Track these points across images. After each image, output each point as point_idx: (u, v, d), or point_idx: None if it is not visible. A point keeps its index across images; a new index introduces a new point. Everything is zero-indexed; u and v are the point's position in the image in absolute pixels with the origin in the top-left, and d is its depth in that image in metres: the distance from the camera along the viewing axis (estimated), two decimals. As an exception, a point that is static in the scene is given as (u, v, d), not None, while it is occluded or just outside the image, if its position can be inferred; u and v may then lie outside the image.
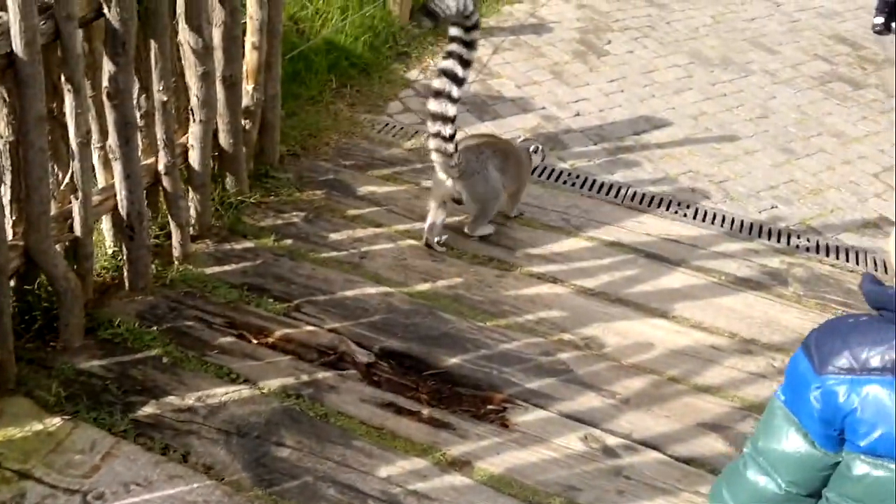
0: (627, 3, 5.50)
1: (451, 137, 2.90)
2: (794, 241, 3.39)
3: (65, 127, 2.17)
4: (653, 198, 3.56)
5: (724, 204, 3.59)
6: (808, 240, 3.41)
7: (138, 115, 2.41)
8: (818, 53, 5.08)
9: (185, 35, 2.50)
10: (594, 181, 3.62)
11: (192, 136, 2.67)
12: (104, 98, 2.23)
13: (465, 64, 2.89)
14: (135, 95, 2.35)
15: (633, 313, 2.90)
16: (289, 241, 3.05)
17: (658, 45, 4.96)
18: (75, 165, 2.20)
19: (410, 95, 4.17)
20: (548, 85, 4.40)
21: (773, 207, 3.60)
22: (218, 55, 2.66)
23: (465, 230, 3.17)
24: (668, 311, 2.93)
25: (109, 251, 2.72)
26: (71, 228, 2.33)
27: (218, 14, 2.61)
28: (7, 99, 1.95)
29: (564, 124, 4.06)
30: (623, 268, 3.11)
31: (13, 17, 1.78)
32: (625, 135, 4.02)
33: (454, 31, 2.90)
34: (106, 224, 2.62)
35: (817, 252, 3.34)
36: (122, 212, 2.44)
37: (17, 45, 1.82)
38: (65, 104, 2.13)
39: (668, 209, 3.49)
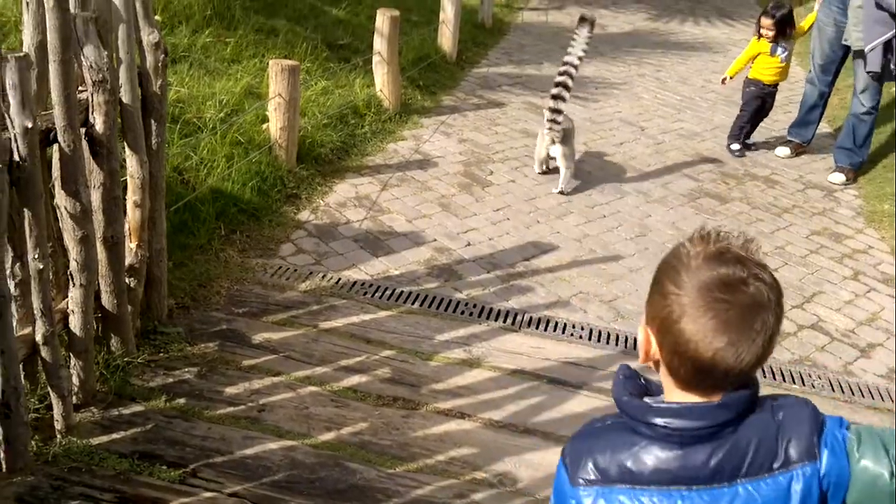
0: (505, 136, 5.79)
1: (560, 119, 4.83)
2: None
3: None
4: (548, 322, 3.63)
5: (616, 323, 3.69)
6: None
7: (13, 284, 2.29)
8: (685, 172, 5.46)
9: (61, 200, 2.43)
10: (491, 309, 3.67)
11: (73, 300, 2.55)
12: (-26, 272, 2.11)
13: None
14: (8, 265, 2.24)
15: (542, 443, 2.88)
16: (181, 401, 2.90)
17: (537, 172, 5.21)
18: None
19: (302, 236, 4.17)
20: (437, 217, 4.50)
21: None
22: (98, 217, 2.58)
23: (560, 189, 4.89)
24: (576, 436, 2.93)
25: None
26: (-64, 414, 2.13)
27: (96, 176, 2.56)
28: None
29: (457, 255, 4.14)
30: (528, 396, 3.12)
31: None
32: (516, 261, 4.13)
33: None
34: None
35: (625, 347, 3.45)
36: (-5, 390, 2.26)
37: None
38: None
39: (563, 332, 3.56)
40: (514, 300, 3.78)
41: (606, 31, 9.55)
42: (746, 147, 5.94)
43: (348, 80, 5.98)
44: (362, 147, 5.30)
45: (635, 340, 3.52)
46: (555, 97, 4.82)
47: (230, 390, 2.99)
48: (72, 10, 2.33)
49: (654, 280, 1.16)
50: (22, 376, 2.36)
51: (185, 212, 3.88)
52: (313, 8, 7.08)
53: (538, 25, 9.53)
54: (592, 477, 1.14)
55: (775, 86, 5.83)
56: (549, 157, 5.07)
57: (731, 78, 5.91)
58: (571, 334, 3.56)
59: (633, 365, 1.27)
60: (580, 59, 4.92)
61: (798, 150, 5.92)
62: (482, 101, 6.52)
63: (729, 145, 5.91)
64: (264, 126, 4.74)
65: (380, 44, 5.81)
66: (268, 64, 4.83)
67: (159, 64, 2.83)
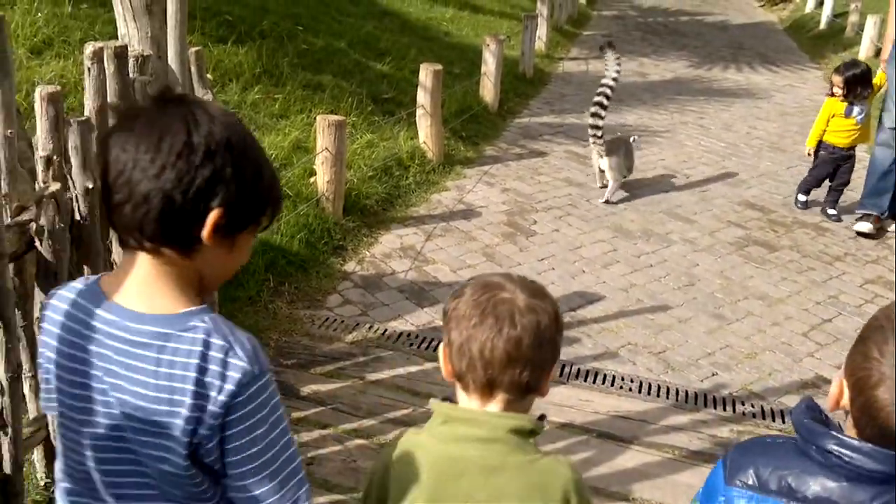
0: (548, 185, 5.81)
1: (601, 134, 5.41)
2: (739, 408, 3.42)
3: (-9, 361, 2.08)
4: (596, 374, 3.58)
5: (665, 375, 3.63)
6: (752, 405, 3.45)
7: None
8: (731, 220, 5.40)
9: (118, 256, 2.49)
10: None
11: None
12: (35, 328, 2.16)
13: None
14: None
15: (594, 498, 2.81)
16: (230, 454, 2.90)
17: (581, 221, 5.20)
18: (5, 401, 2.09)
19: (349, 288, 4.20)
20: (482, 267, 4.51)
21: (713, 375, 3.65)
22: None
23: (605, 199, 5.39)
24: (628, 493, 2.86)
25: (42, 483, 2.54)
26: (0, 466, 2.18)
27: (153, 232, 2.63)
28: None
29: (502, 306, 4.12)
30: (578, 450, 3.06)
31: (-59, 261, 1.76)
32: (562, 311, 4.09)
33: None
34: (37, 454, 2.46)
35: (763, 418, 3.37)
36: (55, 442, 2.30)
37: (-55, 289, 1.78)
38: (-7, 339, 2.06)
39: (612, 384, 3.51)
40: (562, 352, 3.74)
41: (647, 80, 9.59)
42: (837, 219, 5.49)
43: (392, 132, 6.08)
44: (407, 198, 5.36)
45: (686, 393, 3.46)
46: (593, 114, 5.44)
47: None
48: (131, 74, 2.42)
49: (860, 336, 1.17)
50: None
51: (234, 265, 3.95)
52: (358, 63, 7.25)
53: (579, 75, 9.61)
54: (751, 482, 1.21)
55: (851, 149, 5.42)
56: (601, 171, 5.62)
57: (813, 148, 5.52)
58: (620, 387, 3.50)
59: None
60: (615, 79, 5.56)
61: (878, 224, 5.24)
62: (524, 151, 6.56)
63: (796, 195, 5.67)
64: (312, 179, 4.82)
65: (423, 97, 5.91)
66: (315, 119, 4.95)
67: (213, 123, 2.91)
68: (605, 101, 5.44)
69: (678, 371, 3.66)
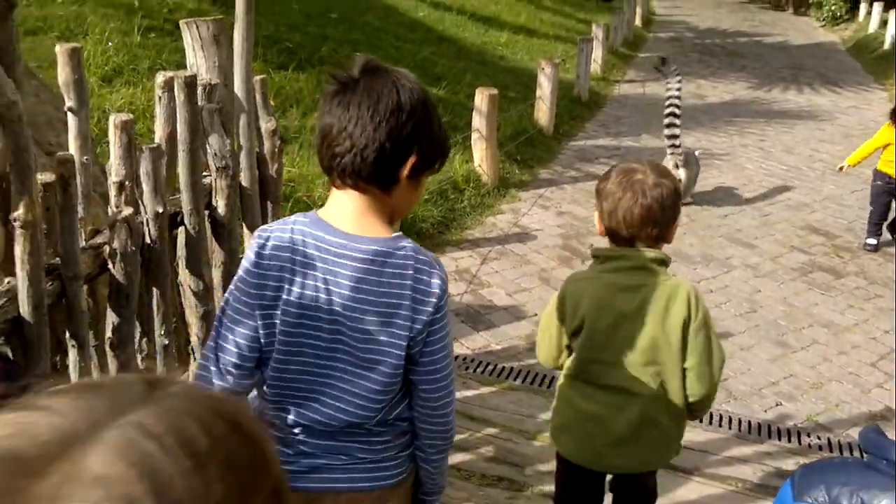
0: (605, 208, 5.77)
1: (678, 143, 5.68)
2: (804, 440, 3.32)
3: (67, 379, 2.15)
4: (656, 402, 3.51)
5: (728, 404, 3.54)
6: (818, 437, 3.34)
7: (140, 358, 2.40)
8: (794, 245, 5.27)
9: (185, 278, 2.56)
10: (595, 388, 3.58)
11: (193, 374, 2.65)
12: (107, 348, 2.23)
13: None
14: (136, 340, 2.35)
15: (654, 532, 2.75)
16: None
17: (639, 245, 5.14)
18: (74, 420, 2.15)
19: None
20: (537, 291, 4.49)
21: (777, 405, 3.56)
22: (218, 294, 2.69)
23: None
24: (690, 526, 2.79)
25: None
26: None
27: (217, 256, 2.69)
28: (11, 358, 1.94)
29: (558, 331, 4.09)
30: (636, 480, 3.00)
31: (21, 283, 1.82)
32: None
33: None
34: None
35: (830, 450, 3.26)
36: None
37: (25, 310, 1.84)
38: (68, 358, 2.12)
39: (672, 413, 3.44)
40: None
41: (706, 102, 9.47)
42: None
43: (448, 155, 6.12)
44: (462, 221, 5.38)
45: (749, 424, 3.37)
46: (668, 125, 5.68)
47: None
48: (199, 102, 2.50)
49: None
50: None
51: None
52: (414, 87, 7.32)
53: (635, 97, 9.55)
54: (821, 499, 1.24)
55: None
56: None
57: (850, 167, 5.39)
58: (680, 415, 3.43)
59: None
60: (678, 89, 5.85)
61: None
62: (580, 174, 6.53)
63: (866, 240, 5.27)
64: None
65: (478, 121, 5.95)
66: (372, 143, 5.00)
67: (275, 149, 2.97)
68: (677, 111, 5.71)
69: (741, 400, 3.57)
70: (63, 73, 2.30)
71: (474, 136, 6.01)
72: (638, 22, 14.81)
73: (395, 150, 1.34)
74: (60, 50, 2.28)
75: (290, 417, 1.44)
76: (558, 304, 1.98)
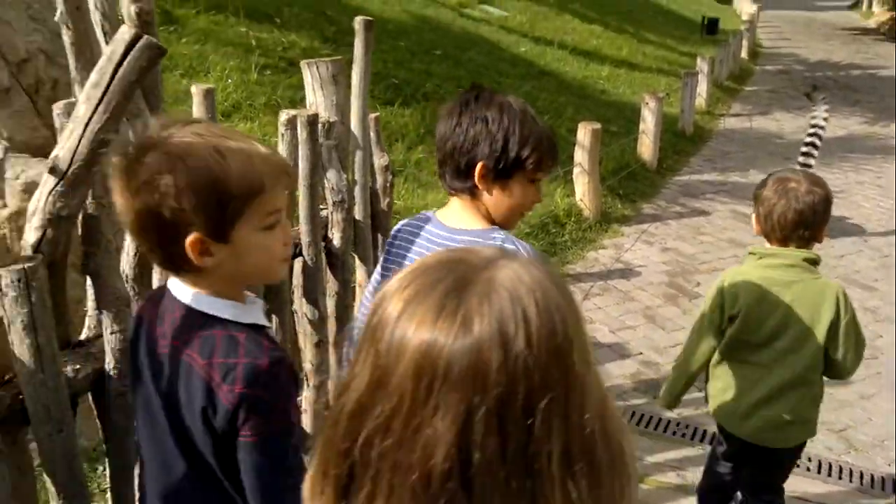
0: (711, 246, 5.62)
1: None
2: (936, 497, 3.11)
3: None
4: (769, 449, 3.36)
5: (848, 455, 3.36)
6: (951, 495, 3.12)
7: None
8: (918, 288, 4.99)
9: (301, 306, 2.64)
10: (705, 431, 3.47)
11: (306, 400, 2.73)
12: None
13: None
14: (253, 368, 2.44)
15: (768, 587, 2.63)
16: None
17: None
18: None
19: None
20: (642, 329, 4.39)
21: (903, 458, 3.35)
22: (331, 323, 2.77)
23: None
24: (808, 583, 2.65)
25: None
26: None
27: (331, 286, 2.77)
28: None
29: (665, 370, 3.99)
30: (748, 531, 2.88)
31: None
32: (728, 379, 3.91)
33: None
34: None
35: (966, 510, 3.04)
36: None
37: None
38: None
39: (787, 462, 3.28)
40: (729, 422, 3.56)
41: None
42: None
43: (549, 189, 6.11)
44: (563, 255, 5.35)
45: (872, 477, 3.18)
46: (805, 153, 5.79)
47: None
48: (319, 139, 2.60)
49: None
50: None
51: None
52: (516, 122, 7.38)
53: (742, 132, 9.31)
54: None
55: None
56: None
57: None
58: (798, 465, 3.27)
59: None
60: (826, 118, 5.96)
61: None
62: (685, 210, 6.40)
63: None
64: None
65: (580, 155, 5.92)
66: (476, 177, 5.06)
67: (387, 184, 3.06)
68: (818, 141, 5.84)
69: (862, 452, 3.38)
70: (198, 112, 2.43)
71: (576, 170, 5.99)
72: (744, 54, 14.47)
73: (464, 162, 1.60)
74: (196, 90, 2.42)
75: None
76: (717, 295, 2.26)
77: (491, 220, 1.64)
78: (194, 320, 1.26)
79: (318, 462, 0.76)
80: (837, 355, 2.20)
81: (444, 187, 1.68)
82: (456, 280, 0.71)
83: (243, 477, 1.24)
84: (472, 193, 1.62)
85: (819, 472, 3.24)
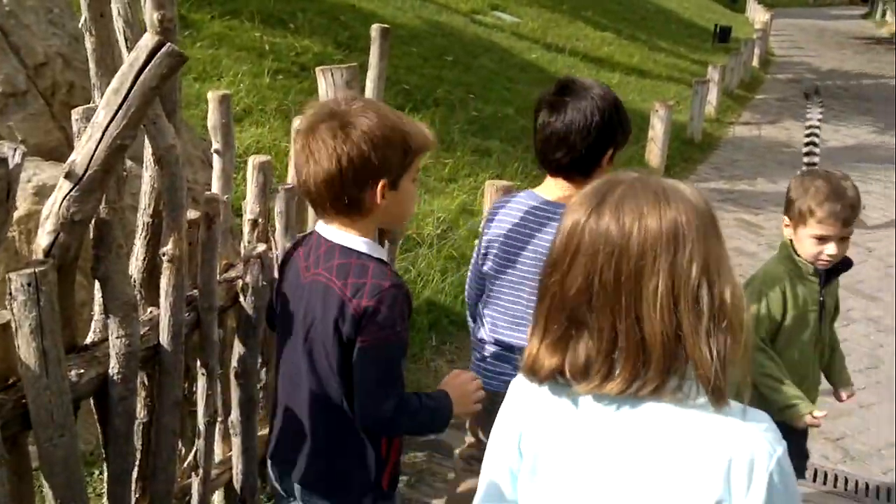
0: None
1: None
2: (931, 508, 3.14)
3: (194, 405, 2.30)
4: (766, 457, 3.40)
5: (844, 464, 3.39)
6: (946, 506, 3.15)
7: (259, 387, 2.54)
8: (923, 299, 5.00)
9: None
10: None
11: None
12: (231, 377, 2.38)
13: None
14: (259, 370, 2.50)
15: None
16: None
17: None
18: (200, 444, 2.30)
19: (508, 351, 4.26)
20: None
21: (900, 468, 3.38)
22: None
23: None
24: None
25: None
26: (188, 504, 2.39)
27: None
28: (147, 384, 2.10)
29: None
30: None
31: (163, 313, 1.99)
32: (728, 388, 3.94)
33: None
34: (218, 496, 2.66)
35: (958, 520, 3.07)
36: (237, 485, 2.49)
37: (164, 338, 2.00)
38: (196, 386, 2.28)
39: (784, 470, 3.32)
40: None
41: (826, 146, 9.12)
42: None
43: (556, 197, 6.16)
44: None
45: (867, 486, 3.22)
46: (807, 153, 6.30)
47: (436, 502, 3.07)
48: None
49: None
50: (257, 476, 2.59)
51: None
52: (525, 129, 7.43)
53: (750, 140, 9.32)
54: None
55: None
56: None
57: None
58: (792, 473, 3.31)
59: None
60: (819, 119, 6.51)
61: None
62: (691, 219, 6.42)
63: None
64: (477, 242, 4.97)
65: (589, 163, 5.96)
66: (482, 183, 5.12)
67: (393, 190, 3.11)
68: (816, 140, 6.27)
69: (858, 461, 3.41)
70: (213, 118, 2.49)
71: (583, 177, 6.03)
72: (755, 63, 14.47)
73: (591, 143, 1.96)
74: (212, 96, 2.48)
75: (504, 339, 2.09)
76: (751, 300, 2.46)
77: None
78: (337, 254, 1.58)
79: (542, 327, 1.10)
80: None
81: (545, 168, 2.01)
82: (624, 190, 1.06)
83: (355, 379, 1.55)
84: (586, 175, 1.93)
85: (814, 480, 3.27)
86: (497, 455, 1.23)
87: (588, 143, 1.94)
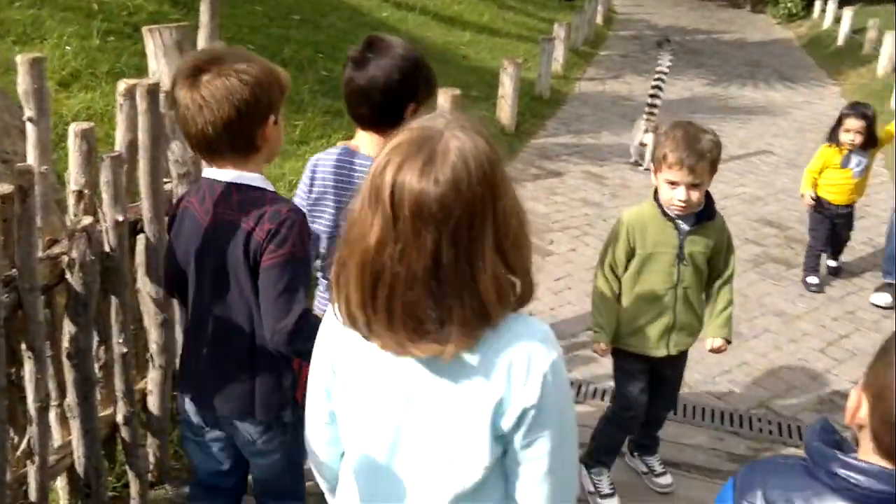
0: (564, 205, 5.86)
1: (656, 112, 6.68)
2: (756, 424, 3.44)
3: (23, 391, 2.17)
4: (605, 392, 3.60)
5: (681, 391, 3.64)
6: (769, 423, 3.46)
7: (97, 367, 2.42)
8: (748, 237, 5.42)
9: (144, 286, 2.58)
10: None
11: (152, 381, 2.68)
12: (64, 358, 2.25)
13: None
14: (94, 349, 2.37)
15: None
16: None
17: (598, 241, 5.22)
18: (33, 430, 2.17)
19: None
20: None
21: (729, 392, 3.68)
22: (175, 301, 2.72)
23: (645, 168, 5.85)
24: (641, 511, 2.89)
25: (65, 508, 2.61)
26: (25, 494, 2.25)
27: (177, 261, 2.71)
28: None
29: (519, 327, 4.17)
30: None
31: (-22, 294, 1.84)
32: (578, 331, 4.14)
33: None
34: (61, 482, 2.53)
35: (780, 434, 3.39)
36: (80, 470, 2.37)
37: (-20, 321, 1.86)
38: (24, 370, 2.14)
39: (629, 404, 3.53)
40: (578, 371, 3.78)
41: (664, 98, 9.62)
42: (835, 272, 4.94)
43: (410, 156, 6.17)
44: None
45: (703, 411, 3.48)
46: (652, 95, 6.64)
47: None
48: (161, 110, 2.51)
49: (883, 347, 1.18)
50: (102, 458, 2.48)
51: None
52: (376, 88, 7.37)
53: (595, 95, 9.68)
54: (758, 503, 1.22)
55: (848, 206, 4.73)
56: (641, 145, 6.56)
57: (811, 194, 4.73)
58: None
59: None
60: (669, 66, 6.86)
61: None
62: (541, 172, 6.63)
63: (804, 278, 4.80)
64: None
65: (440, 121, 6.00)
66: (334, 143, 5.04)
67: (234, 154, 3.00)
68: (662, 84, 6.69)
69: (693, 388, 3.68)
70: (24, 83, 2.30)
71: (436, 136, 6.07)
72: (599, 20, 14.97)
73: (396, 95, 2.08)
74: (22, 59, 2.28)
75: None
76: (613, 238, 2.71)
77: None
78: (234, 192, 1.75)
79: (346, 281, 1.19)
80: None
81: (353, 121, 2.11)
82: (429, 151, 1.14)
83: (261, 297, 1.71)
84: (391, 128, 1.91)
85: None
86: (315, 375, 1.38)
87: (389, 99, 2.05)
